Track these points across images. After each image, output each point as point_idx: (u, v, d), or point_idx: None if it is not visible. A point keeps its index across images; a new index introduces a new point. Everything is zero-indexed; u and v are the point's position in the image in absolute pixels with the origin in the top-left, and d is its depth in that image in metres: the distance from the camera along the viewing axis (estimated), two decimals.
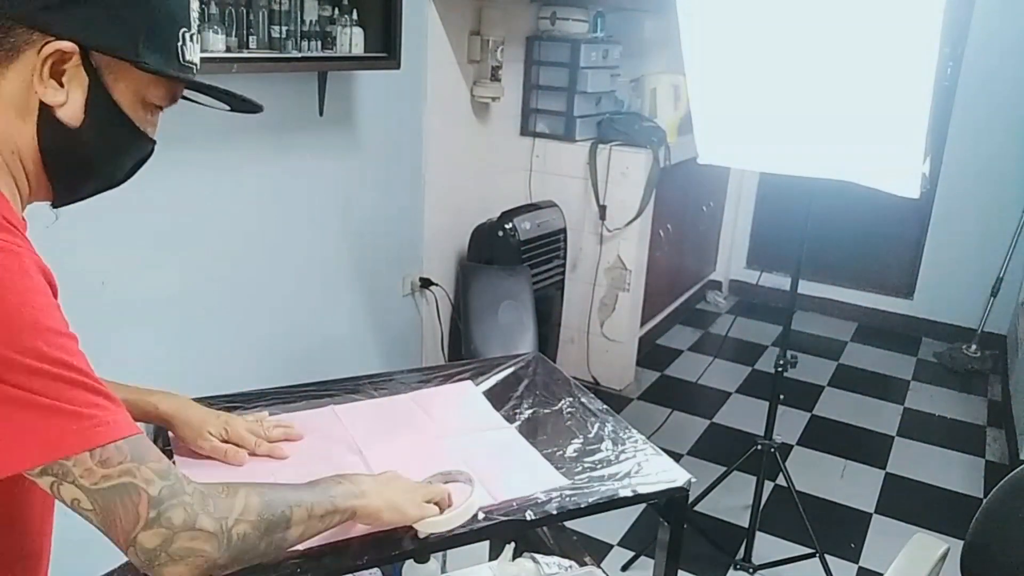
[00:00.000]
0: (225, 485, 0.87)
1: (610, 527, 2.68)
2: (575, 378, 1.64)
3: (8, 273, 0.74)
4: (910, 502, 2.96)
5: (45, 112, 0.80)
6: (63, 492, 0.76)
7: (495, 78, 3.24)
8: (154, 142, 0.91)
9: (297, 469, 1.24)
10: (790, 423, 3.46)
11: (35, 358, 0.73)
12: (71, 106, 0.80)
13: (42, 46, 0.77)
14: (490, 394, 1.53)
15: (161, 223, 2.16)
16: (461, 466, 1.26)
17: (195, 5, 0.88)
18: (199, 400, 1.40)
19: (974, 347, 4.20)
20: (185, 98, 0.91)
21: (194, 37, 0.87)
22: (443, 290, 3.28)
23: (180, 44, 0.84)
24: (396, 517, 1.05)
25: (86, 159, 0.86)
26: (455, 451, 1.32)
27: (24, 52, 0.77)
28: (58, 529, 2.16)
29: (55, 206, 0.92)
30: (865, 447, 3.34)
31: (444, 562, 1.47)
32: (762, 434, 2.48)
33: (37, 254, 0.80)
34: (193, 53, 0.87)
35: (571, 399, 1.53)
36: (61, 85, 0.79)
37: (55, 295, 0.82)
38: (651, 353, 4.12)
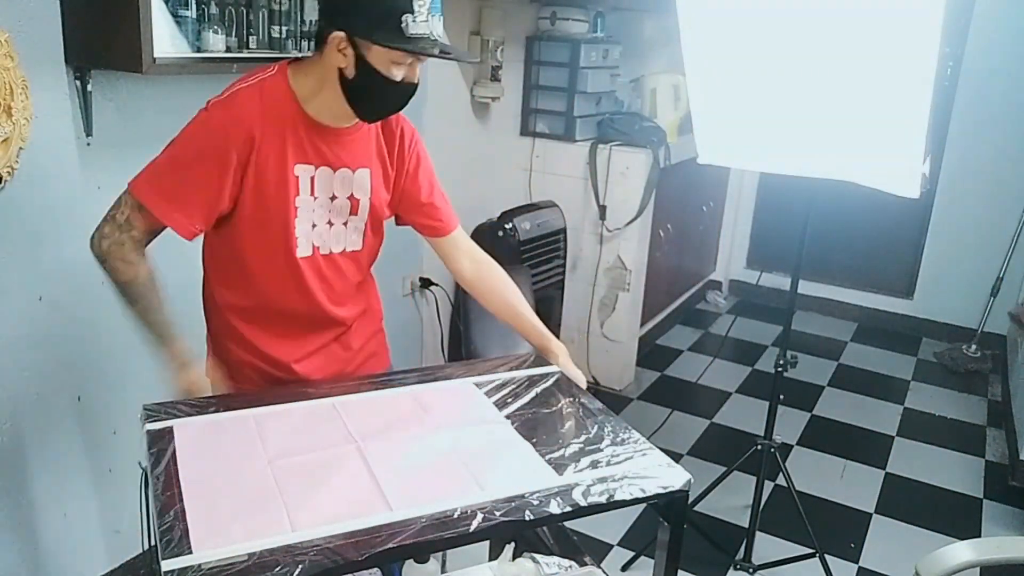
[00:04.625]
0: (132, 260, 1.47)
1: (610, 527, 2.68)
2: None
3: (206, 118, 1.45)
4: (910, 502, 2.96)
5: (340, 75, 1.41)
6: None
7: (495, 78, 3.24)
8: (409, 83, 1.43)
9: (294, 458, 1.25)
10: (790, 423, 3.46)
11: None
12: (349, 68, 1.39)
13: (331, 36, 1.37)
14: (490, 394, 1.53)
15: None
16: (455, 460, 1.26)
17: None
18: (198, 400, 1.41)
19: (974, 347, 4.20)
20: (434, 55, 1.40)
21: (417, 18, 1.34)
22: (443, 290, 3.28)
23: (403, 24, 1.33)
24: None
25: (363, 95, 1.43)
26: (451, 445, 1.32)
27: (328, 40, 1.38)
28: (59, 531, 2.17)
29: (365, 120, 1.50)
30: (865, 447, 3.34)
31: (444, 562, 1.47)
32: (762, 434, 2.48)
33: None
34: (417, 28, 1.34)
35: (571, 399, 1.53)
36: (344, 56, 1.38)
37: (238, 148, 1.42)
38: (651, 353, 4.12)
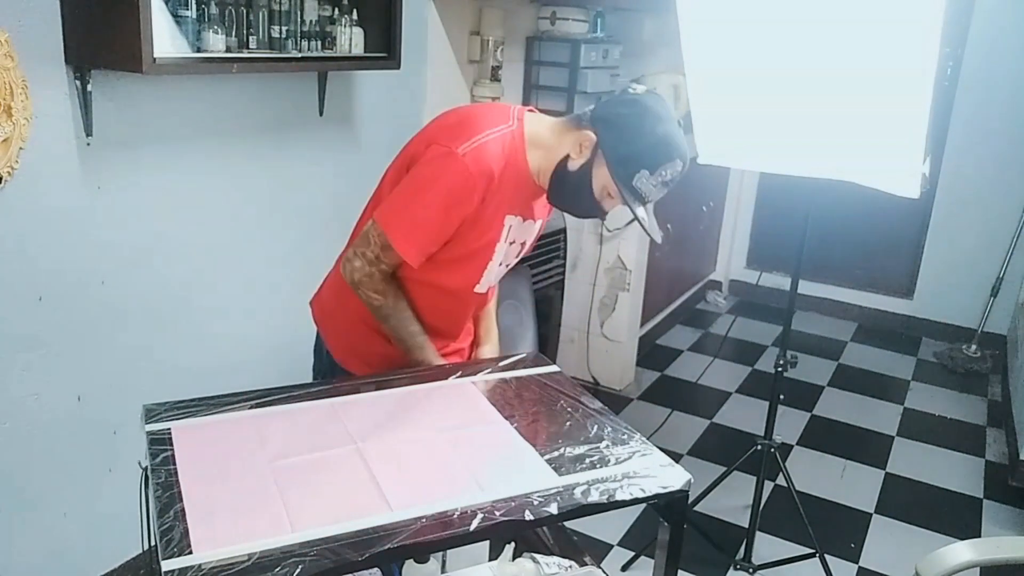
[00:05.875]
0: (382, 290, 1.57)
1: (610, 527, 2.68)
2: (575, 378, 1.64)
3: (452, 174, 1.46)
4: (910, 502, 2.96)
5: (564, 159, 1.50)
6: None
7: (495, 78, 3.24)
8: (603, 213, 1.56)
9: (294, 458, 1.25)
10: (790, 423, 3.46)
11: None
12: (576, 163, 1.49)
13: (584, 132, 1.48)
14: (489, 394, 1.53)
15: (161, 223, 2.16)
16: (455, 460, 1.26)
17: (668, 172, 1.45)
18: (198, 401, 1.41)
19: (974, 347, 4.20)
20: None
21: (651, 181, 1.44)
22: None
23: (638, 174, 1.44)
24: None
25: (566, 189, 1.53)
26: (451, 445, 1.32)
27: (580, 131, 1.49)
28: (59, 531, 2.17)
29: (546, 197, 1.59)
30: (865, 447, 3.34)
31: (444, 562, 1.47)
32: (762, 434, 2.48)
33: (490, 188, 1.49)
34: (643, 186, 1.45)
35: (571, 399, 1.53)
36: (580, 153, 1.48)
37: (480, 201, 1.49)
38: (651, 353, 4.12)
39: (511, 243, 1.62)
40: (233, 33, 2.05)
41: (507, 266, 1.68)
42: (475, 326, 1.86)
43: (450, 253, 1.55)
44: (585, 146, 1.47)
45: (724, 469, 2.69)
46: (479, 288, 1.65)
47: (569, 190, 1.52)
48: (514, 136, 1.51)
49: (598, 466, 1.29)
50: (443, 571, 1.46)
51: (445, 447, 1.33)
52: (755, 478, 2.50)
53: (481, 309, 1.83)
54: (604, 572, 1.49)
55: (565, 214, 3.58)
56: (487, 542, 1.58)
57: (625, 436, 1.39)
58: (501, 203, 1.52)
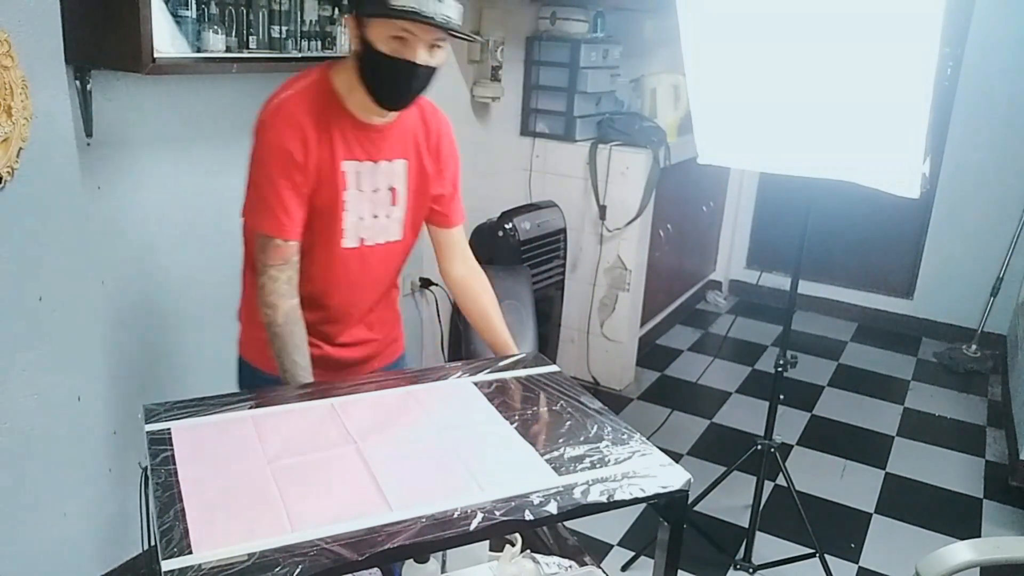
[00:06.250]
0: (286, 308, 1.54)
1: (610, 527, 2.68)
2: (575, 378, 1.64)
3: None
4: (910, 502, 2.96)
5: (356, 57, 1.48)
6: None
7: (495, 78, 3.23)
8: (412, 63, 1.44)
9: (294, 458, 1.25)
10: (790, 423, 3.47)
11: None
12: (357, 48, 1.47)
13: (347, 20, 1.52)
14: (489, 394, 1.53)
15: (161, 223, 2.16)
16: (455, 460, 1.26)
17: None
18: (198, 401, 1.41)
19: (974, 347, 4.20)
20: (433, 25, 1.41)
21: None
22: (443, 290, 3.28)
23: None
24: None
25: (373, 78, 1.48)
26: (451, 445, 1.32)
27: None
28: (59, 531, 2.17)
29: (383, 106, 1.52)
30: (865, 447, 3.34)
31: (444, 562, 1.47)
32: (762, 434, 2.48)
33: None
34: (403, 0, 1.36)
35: (570, 399, 1.53)
36: (356, 39, 1.46)
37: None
38: (651, 353, 4.12)
39: (375, 191, 1.59)
40: (233, 33, 2.05)
41: (388, 217, 1.64)
42: (478, 323, 1.78)
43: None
44: (350, 28, 1.48)
45: (724, 469, 2.69)
46: (346, 242, 1.60)
47: (376, 76, 1.46)
48: (319, 81, 1.52)
49: (598, 466, 1.29)
50: (443, 571, 1.46)
51: (445, 447, 1.32)
52: (755, 478, 2.50)
53: (372, 274, 1.69)
54: (604, 572, 1.49)
55: (564, 214, 3.58)
56: (487, 542, 1.58)
57: (625, 436, 1.39)
58: (329, 149, 1.51)
